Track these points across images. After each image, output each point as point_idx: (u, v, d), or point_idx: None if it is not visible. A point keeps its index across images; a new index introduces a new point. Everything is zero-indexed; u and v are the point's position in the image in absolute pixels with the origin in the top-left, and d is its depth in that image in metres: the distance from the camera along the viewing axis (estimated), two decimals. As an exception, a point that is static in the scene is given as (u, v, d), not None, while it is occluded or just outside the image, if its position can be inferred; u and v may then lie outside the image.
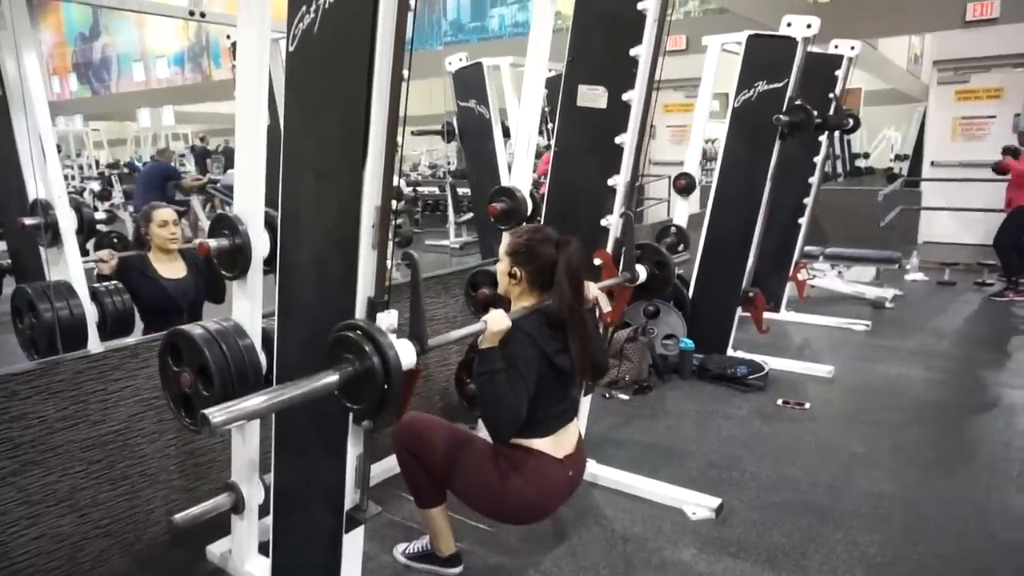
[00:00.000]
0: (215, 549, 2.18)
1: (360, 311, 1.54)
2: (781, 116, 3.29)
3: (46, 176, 2.40)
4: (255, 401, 1.34)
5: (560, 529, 2.37)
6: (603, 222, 2.47)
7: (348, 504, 1.71)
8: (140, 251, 2.82)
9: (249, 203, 1.77)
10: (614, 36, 2.33)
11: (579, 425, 2.09)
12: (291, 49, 1.57)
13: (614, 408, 3.45)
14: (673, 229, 4.12)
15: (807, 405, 3.40)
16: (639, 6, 2.25)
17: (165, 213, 2.80)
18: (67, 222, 2.38)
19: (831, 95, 4.23)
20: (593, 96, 2.42)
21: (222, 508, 2.01)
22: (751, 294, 3.92)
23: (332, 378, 1.44)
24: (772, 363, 3.90)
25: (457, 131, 4.97)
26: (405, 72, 1.46)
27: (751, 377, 3.65)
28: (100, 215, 2.97)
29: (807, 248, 5.25)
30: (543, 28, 2.52)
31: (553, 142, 2.61)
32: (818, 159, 4.66)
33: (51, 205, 2.37)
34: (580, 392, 2.03)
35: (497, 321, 1.83)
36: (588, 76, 2.43)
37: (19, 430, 1.92)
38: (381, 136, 1.45)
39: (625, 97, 2.33)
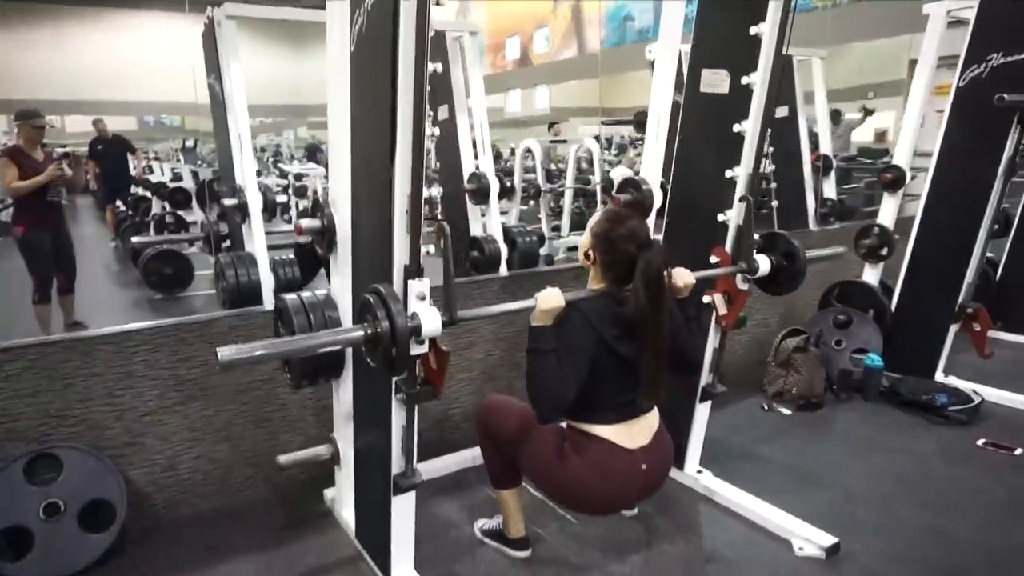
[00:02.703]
0: (329, 493, 2.48)
1: (397, 278, 1.64)
2: (1005, 96, 2.67)
3: (243, 166, 2.89)
4: (263, 343, 1.50)
5: (646, 536, 2.27)
6: (720, 217, 2.28)
7: (395, 470, 1.85)
8: None
9: (338, 190, 1.98)
10: (736, 14, 2.13)
11: (657, 420, 1.95)
12: (352, 50, 1.73)
13: (768, 422, 3.15)
14: (876, 229, 3.60)
15: (1018, 451, 2.76)
16: (761, -22, 2.02)
17: None
18: (254, 204, 2.84)
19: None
20: (716, 80, 2.23)
21: (321, 457, 2.29)
22: (971, 310, 3.27)
23: (352, 335, 1.57)
24: (991, 395, 3.23)
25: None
26: (431, 66, 1.52)
27: (952, 408, 3.06)
28: (281, 197, 3.46)
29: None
30: (674, 14, 2.39)
31: (678, 131, 2.46)
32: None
33: (243, 189, 2.85)
34: (659, 399, 1.90)
35: (548, 299, 1.78)
36: (711, 60, 2.25)
37: (185, 369, 2.37)
38: (408, 129, 1.54)
39: (745, 81, 2.12)
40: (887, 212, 3.55)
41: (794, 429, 3.07)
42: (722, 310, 2.31)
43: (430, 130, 1.66)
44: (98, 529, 2.16)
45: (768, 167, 5.30)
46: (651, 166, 2.54)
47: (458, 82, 3.63)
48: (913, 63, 3.43)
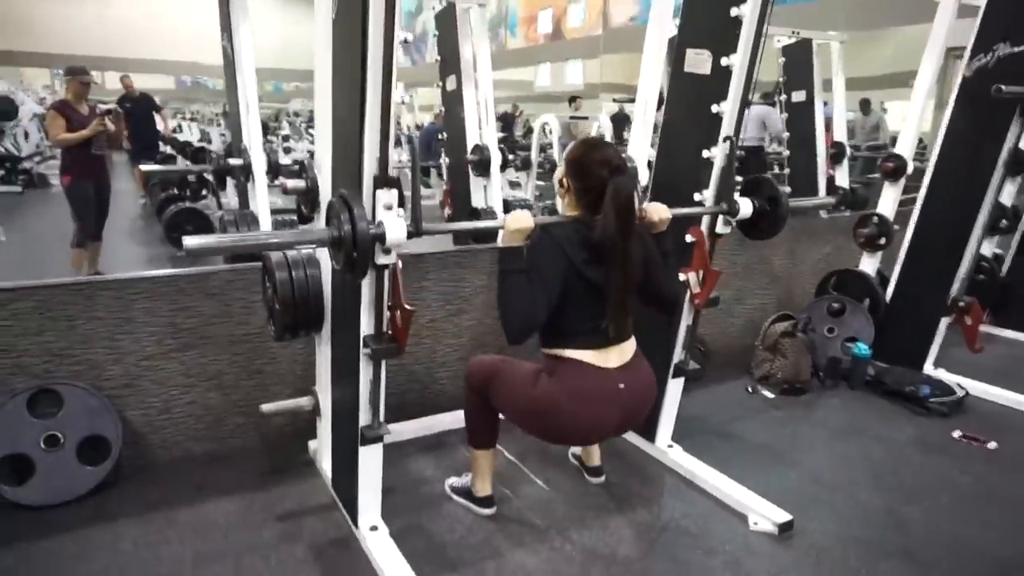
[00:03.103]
0: (312, 444, 2.61)
1: (366, 188, 1.70)
2: (1003, 87, 2.64)
3: (248, 126, 3.00)
4: (229, 237, 1.61)
5: (609, 503, 2.36)
6: (697, 196, 2.32)
7: (362, 422, 1.96)
8: None
9: (322, 154, 2.06)
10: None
11: (634, 348, 1.96)
12: (334, 17, 1.80)
13: (750, 403, 3.20)
14: (875, 219, 3.59)
15: (992, 444, 2.78)
16: (744, -39, 2.04)
17: None
18: (258, 164, 2.95)
19: None
20: (699, 61, 2.26)
21: (303, 408, 2.41)
22: (963, 303, 3.26)
23: (317, 235, 1.68)
24: (977, 389, 3.24)
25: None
26: (401, 34, 1.59)
27: (933, 400, 3.08)
28: (285, 159, 3.56)
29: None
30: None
31: (663, 111, 2.50)
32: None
33: (248, 149, 2.96)
34: (624, 326, 1.90)
35: (517, 220, 1.81)
36: (695, 40, 2.28)
37: (183, 319, 2.50)
38: (377, 89, 1.62)
39: (725, 62, 2.14)
40: (887, 202, 3.53)
41: (774, 412, 3.12)
42: (695, 288, 2.36)
43: (401, 94, 1.72)
44: (94, 463, 2.32)
45: (783, 152, 5.28)
46: (639, 145, 2.59)
47: (466, 54, 3.68)
48: (951, 50, 3.38)
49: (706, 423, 2.96)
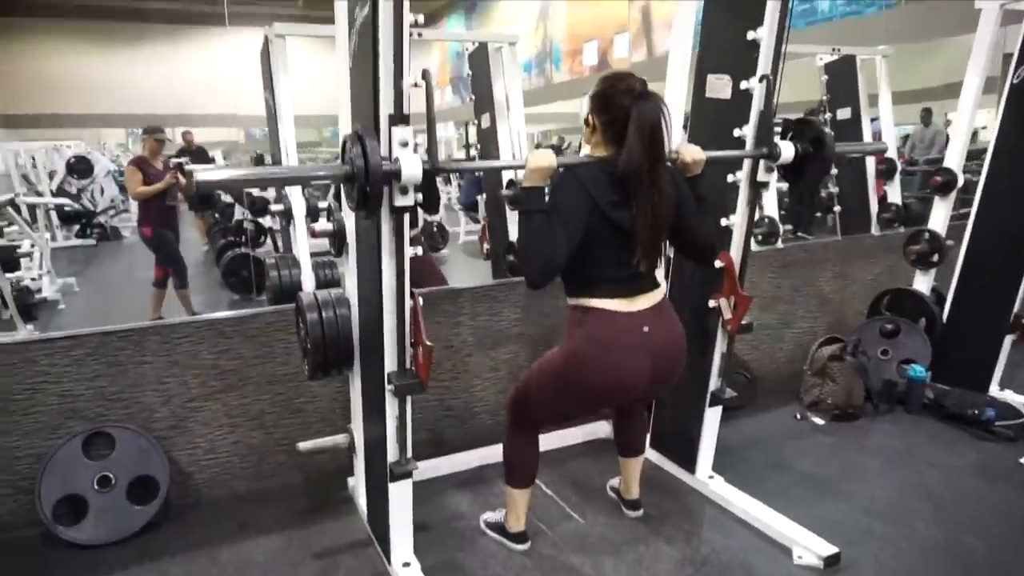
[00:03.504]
0: (351, 481, 2.64)
1: (383, 123, 1.66)
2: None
3: (288, 173, 3.12)
4: (238, 172, 1.60)
5: (646, 536, 2.30)
6: (724, 222, 2.28)
7: (391, 458, 1.98)
8: None
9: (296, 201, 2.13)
10: (736, 18, 2.14)
11: (662, 295, 1.88)
12: (350, 66, 1.87)
13: (797, 431, 3.08)
14: (926, 235, 3.45)
15: (1064, 471, 2.60)
16: (758, -16, 2.03)
17: None
18: (298, 208, 3.06)
19: None
20: (719, 86, 2.25)
21: (340, 446, 2.45)
22: (1027, 320, 3.09)
23: (333, 171, 1.63)
24: (1048, 411, 3.04)
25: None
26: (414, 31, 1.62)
27: (999, 424, 2.90)
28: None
29: None
30: (686, 15, 2.43)
31: (687, 135, 2.48)
32: None
33: (288, 195, 3.08)
34: (656, 263, 1.82)
35: (539, 158, 1.74)
36: (715, 65, 2.27)
37: (225, 360, 2.60)
38: (389, 22, 1.61)
39: (744, 85, 2.12)
40: (938, 217, 3.39)
41: (824, 439, 2.99)
42: (727, 314, 2.32)
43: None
44: (143, 502, 2.41)
45: (832, 170, 5.14)
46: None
47: (498, 92, 3.75)
48: (1008, 57, 3.25)
49: (751, 453, 2.86)
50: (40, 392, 2.36)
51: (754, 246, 4.51)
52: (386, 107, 1.66)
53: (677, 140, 2.44)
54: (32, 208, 6.26)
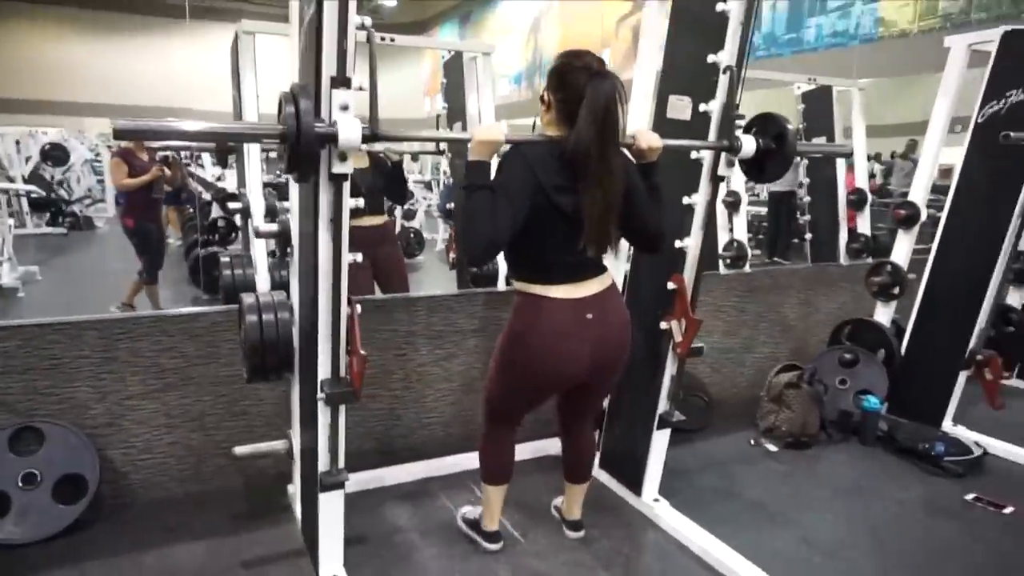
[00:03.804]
0: (291, 488, 2.58)
1: (324, 86, 1.59)
2: (1011, 133, 2.54)
3: (248, 171, 3.07)
4: (161, 124, 1.51)
5: (584, 559, 2.26)
6: (678, 243, 2.26)
7: (322, 468, 1.93)
8: None
9: (293, 200, 2.08)
10: (698, 41, 2.13)
11: (610, 281, 1.86)
12: (299, 66, 1.84)
13: (751, 457, 3.06)
14: (888, 267, 3.46)
15: (1009, 509, 2.59)
16: (718, 7, 2.01)
17: None
18: (256, 207, 3.01)
19: None
20: (680, 107, 2.23)
21: (279, 451, 2.39)
22: (981, 357, 3.09)
23: (262, 130, 1.60)
24: (997, 448, 3.05)
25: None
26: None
27: (948, 459, 2.90)
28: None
29: None
30: (652, 38, 2.42)
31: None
32: None
33: (247, 193, 3.03)
34: (604, 248, 1.77)
35: (486, 131, 1.69)
36: (676, 86, 2.26)
37: (166, 359, 2.53)
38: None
39: (703, 108, 2.11)
40: (901, 249, 3.41)
41: (776, 466, 2.98)
42: (677, 337, 2.29)
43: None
44: (71, 501, 2.33)
45: (804, 198, 5.19)
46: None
47: (471, 102, 3.73)
48: None
49: (701, 477, 2.84)
50: (-34, 383, 2.28)
51: (722, 269, 4.55)
52: (328, 68, 1.59)
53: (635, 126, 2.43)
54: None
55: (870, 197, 4.79)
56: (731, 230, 4.63)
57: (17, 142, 9.59)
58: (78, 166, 10.53)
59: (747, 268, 4.51)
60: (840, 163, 4.93)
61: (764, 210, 7.99)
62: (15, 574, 2.10)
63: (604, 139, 1.66)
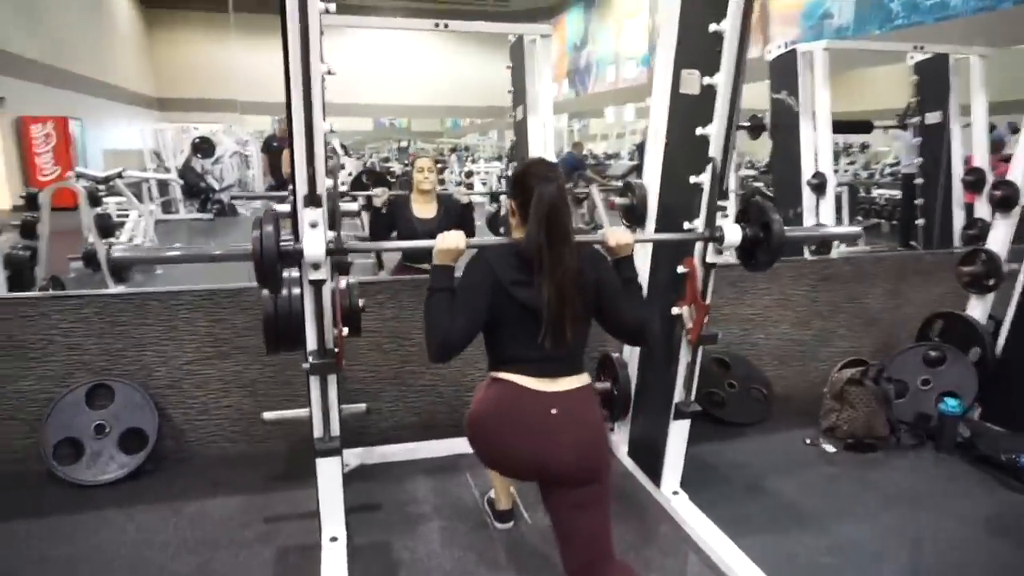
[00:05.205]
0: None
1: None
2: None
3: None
4: (158, 251, 1.76)
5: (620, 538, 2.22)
6: (687, 225, 2.16)
7: (316, 434, 2.05)
8: (406, 192, 3.55)
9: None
10: (703, 11, 2.01)
11: (583, 383, 1.81)
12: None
13: (802, 456, 2.86)
14: (982, 255, 3.08)
15: (1095, 536, 2.25)
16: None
17: (423, 162, 3.47)
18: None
19: None
20: (690, 81, 2.12)
21: (303, 418, 2.54)
22: (1089, 360, 2.69)
23: (239, 251, 1.82)
24: (1102, 466, 2.63)
25: (769, 125, 4.55)
26: (323, 67, 1.69)
27: (1033, 472, 2.55)
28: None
29: None
30: (670, 10, 2.31)
31: (664, 134, 2.36)
32: None
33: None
34: (563, 341, 1.72)
35: (446, 240, 1.79)
36: (687, 59, 2.14)
37: (219, 330, 2.77)
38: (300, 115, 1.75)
39: (707, 81, 1.99)
40: (997, 236, 3.02)
41: (827, 469, 2.76)
42: (689, 323, 2.19)
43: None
44: (132, 452, 2.63)
45: (917, 180, 4.72)
46: (652, 170, 2.47)
47: (531, 84, 3.73)
48: None
49: (738, 473, 2.70)
50: (53, 343, 2.63)
51: (807, 255, 4.24)
52: (301, 189, 1.79)
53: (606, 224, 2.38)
54: (144, 182, 6.90)
55: (990, 177, 4.23)
56: (817, 214, 4.29)
57: (174, 136, 10.76)
58: (226, 158, 11.59)
59: (833, 255, 4.17)
60: (957, 140, 4.41)
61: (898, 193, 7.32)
62: (80, 509, 2.41)
63: (552, 236, 1.69)
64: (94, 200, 5.28)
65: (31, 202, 5.52)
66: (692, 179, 2.11)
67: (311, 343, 1.94)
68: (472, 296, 1.75)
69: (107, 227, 5.37)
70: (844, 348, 3.52)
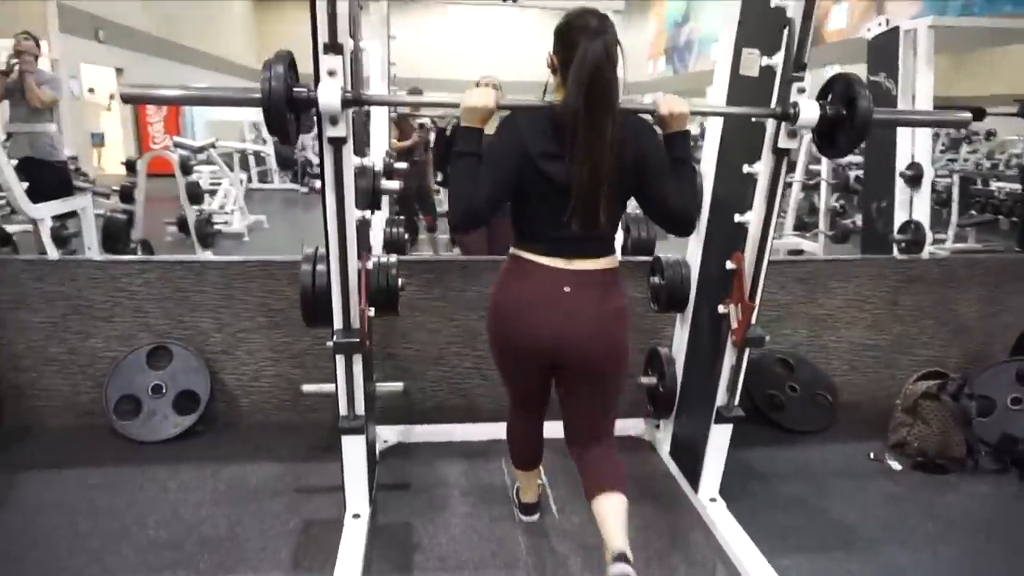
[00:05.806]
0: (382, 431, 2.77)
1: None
2: None
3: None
4: (171, 92, 1.69)
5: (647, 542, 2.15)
6: (738, 218, 2.00)
7: (341, 412, 2.06)
8: None
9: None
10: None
11: (606, 265, 1.70)
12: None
13: (861, 470, 2.65)
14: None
15: None
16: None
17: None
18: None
19: None
20: (750, 61, 1.95)
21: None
22: None
23: (252, 95, 1.61)
24: None
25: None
26: None
27: None
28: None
29: None
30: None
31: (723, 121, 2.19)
32: None
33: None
34: (593, 225, 1.61)
35: (474, 96, 1.62)
36: (747, 38, 1.97)
37: (273, 300, 2.84)
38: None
39: (766, 62, 1.83)
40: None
41: (888, 487, 2.54)
42: (734, 323, 2.05)
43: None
44: (185, 413, 2.75)
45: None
46: (708, 159, 2.32)
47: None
48: None
49: (789, 484, 2.53)
50: (119, 305, 2.77)
51: (896, 254, 3.92)
52: (321, 35, 1.62)
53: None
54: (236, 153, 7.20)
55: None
56: (911, 209, 3.93)
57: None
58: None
59: (924, 255, 3.82)
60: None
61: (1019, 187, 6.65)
62: (132, 463, 2.55)
63: (592, 103, 1.51)
64: (185, 169, 5.56)
65: (130, 168, 5.87)
66: (746, 168, 1.95)
67: (337, 320, 1.93)
68: (497, 168, 1.62)
69: (196, 194, 5.66)
70: (926, 357, 3.23)
